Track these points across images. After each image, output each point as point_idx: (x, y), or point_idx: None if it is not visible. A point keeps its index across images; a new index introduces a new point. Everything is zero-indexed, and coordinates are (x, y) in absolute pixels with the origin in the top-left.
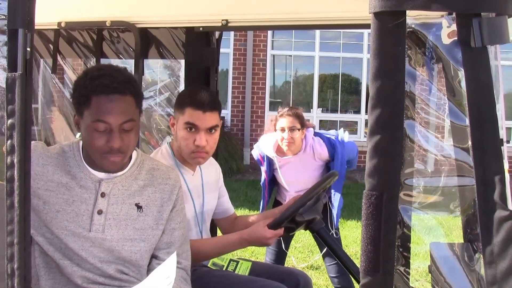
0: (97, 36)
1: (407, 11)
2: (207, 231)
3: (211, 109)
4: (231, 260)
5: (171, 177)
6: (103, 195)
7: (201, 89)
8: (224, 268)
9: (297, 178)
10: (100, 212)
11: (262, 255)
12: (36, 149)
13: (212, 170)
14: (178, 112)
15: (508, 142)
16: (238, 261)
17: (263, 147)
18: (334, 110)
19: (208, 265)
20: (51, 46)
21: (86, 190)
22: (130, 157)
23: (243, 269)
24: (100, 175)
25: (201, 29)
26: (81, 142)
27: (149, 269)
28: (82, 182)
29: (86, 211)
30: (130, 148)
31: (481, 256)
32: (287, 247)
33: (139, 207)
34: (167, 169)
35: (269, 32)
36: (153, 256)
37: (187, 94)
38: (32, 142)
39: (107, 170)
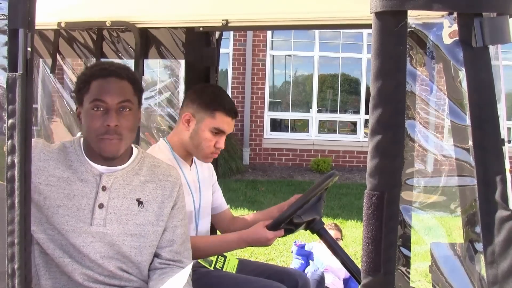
0: (97, 36)
1: (408, 11)
2: (206, 227)
3: (237, 115)
4: (218, 256)
5: (172, 174)
6: (104, 188)
7: (225, 91)
8: (213, 264)
9: None
10: (101, 206)
11: (261, 255)
12: (38, 145)
13: (205, 167)
14: (205, 113)
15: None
16: (226, 256)
17: None
18: (334, 110)
19: (199, 261)
20: (51, 46)
21: (87, 184)
22: (131, 153)
23: (231, 266)
24: (101, 168)
25: (201, 29)
26: (82, 138)
27: (151, 268)
28: (83, 176)
29: (87, 205)
30: (127, 131)
31: (482, 256)
32: None
33: (140, 202)
34: (168, 167)
35: (269, 32)
36: (156, 255)
37: (217, 96)
38: (33, 139)
39: (105, 155)
